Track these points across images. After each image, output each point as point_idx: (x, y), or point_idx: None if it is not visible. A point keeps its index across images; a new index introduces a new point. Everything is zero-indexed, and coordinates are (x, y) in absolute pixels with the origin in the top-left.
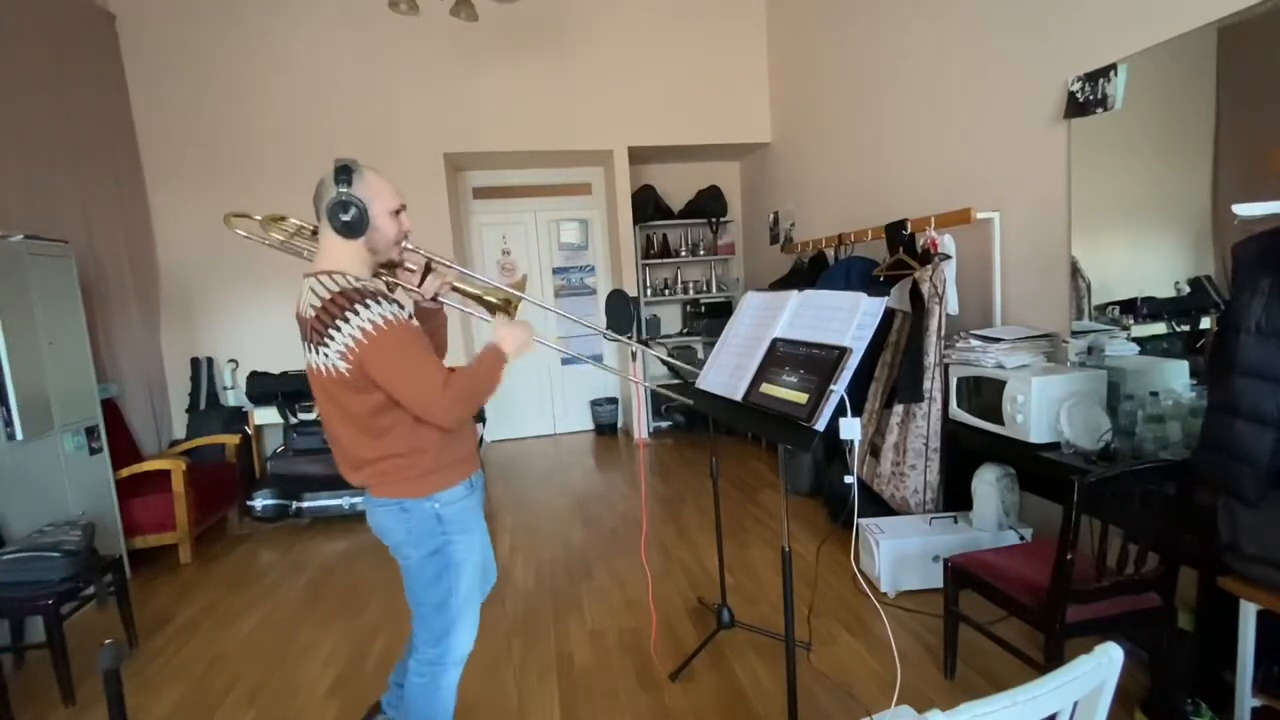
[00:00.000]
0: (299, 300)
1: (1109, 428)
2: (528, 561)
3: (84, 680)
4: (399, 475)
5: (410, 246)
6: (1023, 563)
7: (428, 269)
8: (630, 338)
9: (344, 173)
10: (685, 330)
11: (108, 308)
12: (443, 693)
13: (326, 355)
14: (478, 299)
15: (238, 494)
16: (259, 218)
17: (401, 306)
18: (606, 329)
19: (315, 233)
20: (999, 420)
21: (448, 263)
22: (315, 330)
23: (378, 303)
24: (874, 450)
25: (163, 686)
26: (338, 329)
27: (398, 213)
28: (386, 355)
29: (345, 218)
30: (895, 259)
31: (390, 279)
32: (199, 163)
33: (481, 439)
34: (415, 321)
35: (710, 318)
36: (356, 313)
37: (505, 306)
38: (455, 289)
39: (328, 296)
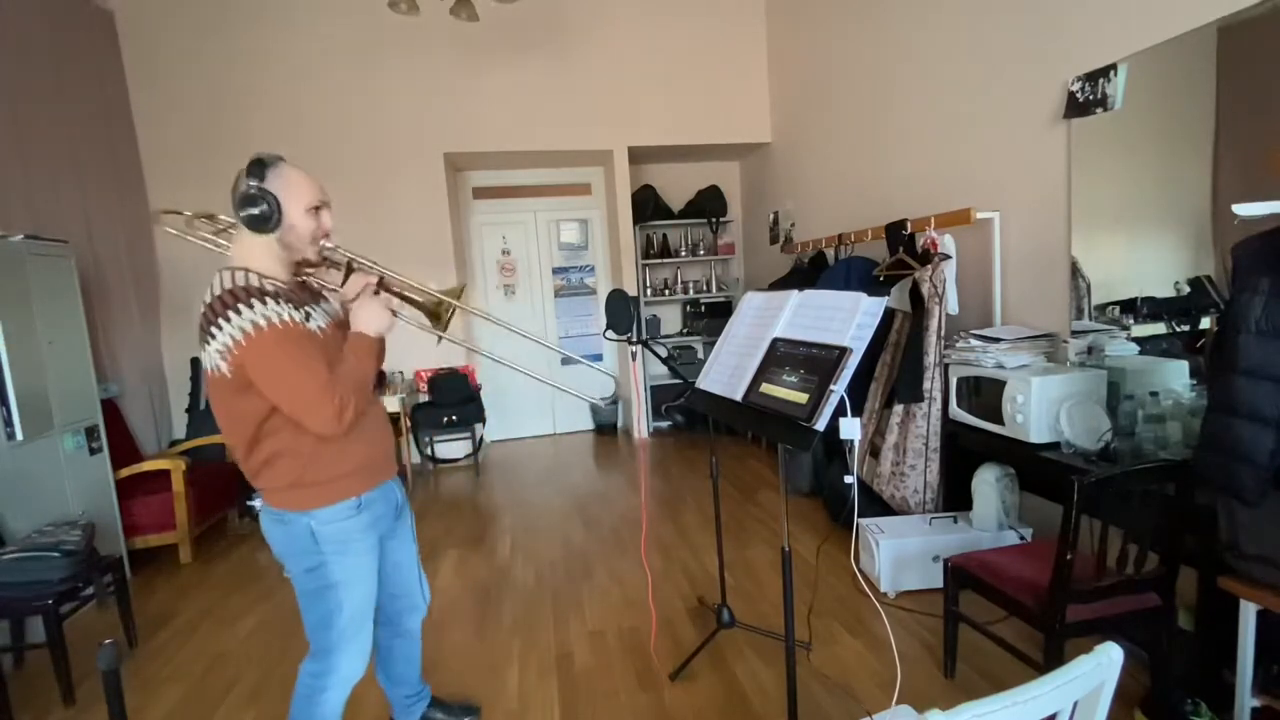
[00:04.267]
0: None
1: (1109, 428)
2: (528, 561)
3: (84, 680)
4: (278, 483)
5: (331, 245)
6: (1023, 563)
7: (350, 269)
8: (629, 339)
9: (257, 166)
10: (685, 330)
11: (108, 308)
12: (323, 709)
13: (209, 353)
14: (407, 300)
15: (238, 494)
16: (187, 213)
17: (297, 308)
18: (606, 330)
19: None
20: (999, 420)
21: (372, 262)
22: (201, 326)
23: (263, 303)
24: (874, 450)
25: (163, 686)
26: (219, 327)
27: (317, 209)
28: (264, 357)
29: (253, 211)
30: (895, 259)
31: (311, 278)
32: (199, 163)
33: (481, 439)
34: (314, 324)
35: (710, 318)
36: (239, 312)
37: (436, 308)
38: (387, 290)
39: (218, 292)
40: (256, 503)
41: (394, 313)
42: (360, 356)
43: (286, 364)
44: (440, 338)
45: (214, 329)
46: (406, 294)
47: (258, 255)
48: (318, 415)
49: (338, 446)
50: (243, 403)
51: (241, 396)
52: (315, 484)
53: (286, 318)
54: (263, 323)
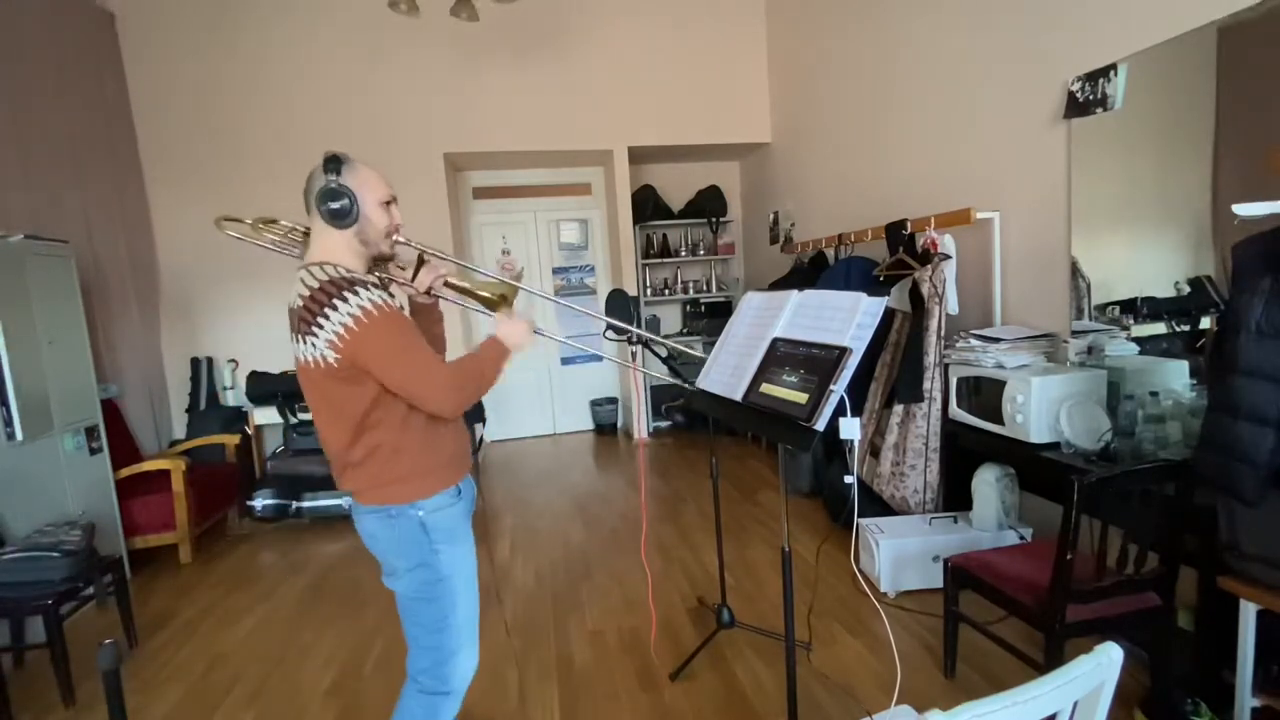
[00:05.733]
0: (291, 294)
1: (1109, 428)
2: (528, 561)
3: (84, 680)
4: (382, 478)
5: (402, 240)
6: (1023, 563)
7: (421, 263)
8: (629, 339)
9: (333, 162)
10: (685, 330)
11: (108, 308)
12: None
13: (315, 345)
14: (472, 294)
15: (238, 494)
16: (250, 221)
17: (393, 296)
18: (607, 327)
19: (307, 234)
20: (999, 420)
21: (441, 254)
22: (303, 320)
23: (366, 289)
24: (874, 450)
25: (163, 686)
26: (326, 317)
27: (388, 204)
28: (378, 340)
29: (334, 205)
30: (895, 259)
31: (383, 274)
32: (199, 163)
33: (481, 439)
34: (407, 314)
35: (710, 318)
36: (345, 299)
37: (501, 301)
38: (449, 284)
39: (316, 286)
40: (257, 504)
41: (536, 331)
42: (490, 359)
43: (400, 343)
44: None
45: (320, 319)
46: (470, 289)
47: (339, 251)
48: (436, 393)
49: (436, 437)
50: (347, 392)
51: (346, 385)
52: (421, 474)
53: (392, 303)
54: (370, 307)
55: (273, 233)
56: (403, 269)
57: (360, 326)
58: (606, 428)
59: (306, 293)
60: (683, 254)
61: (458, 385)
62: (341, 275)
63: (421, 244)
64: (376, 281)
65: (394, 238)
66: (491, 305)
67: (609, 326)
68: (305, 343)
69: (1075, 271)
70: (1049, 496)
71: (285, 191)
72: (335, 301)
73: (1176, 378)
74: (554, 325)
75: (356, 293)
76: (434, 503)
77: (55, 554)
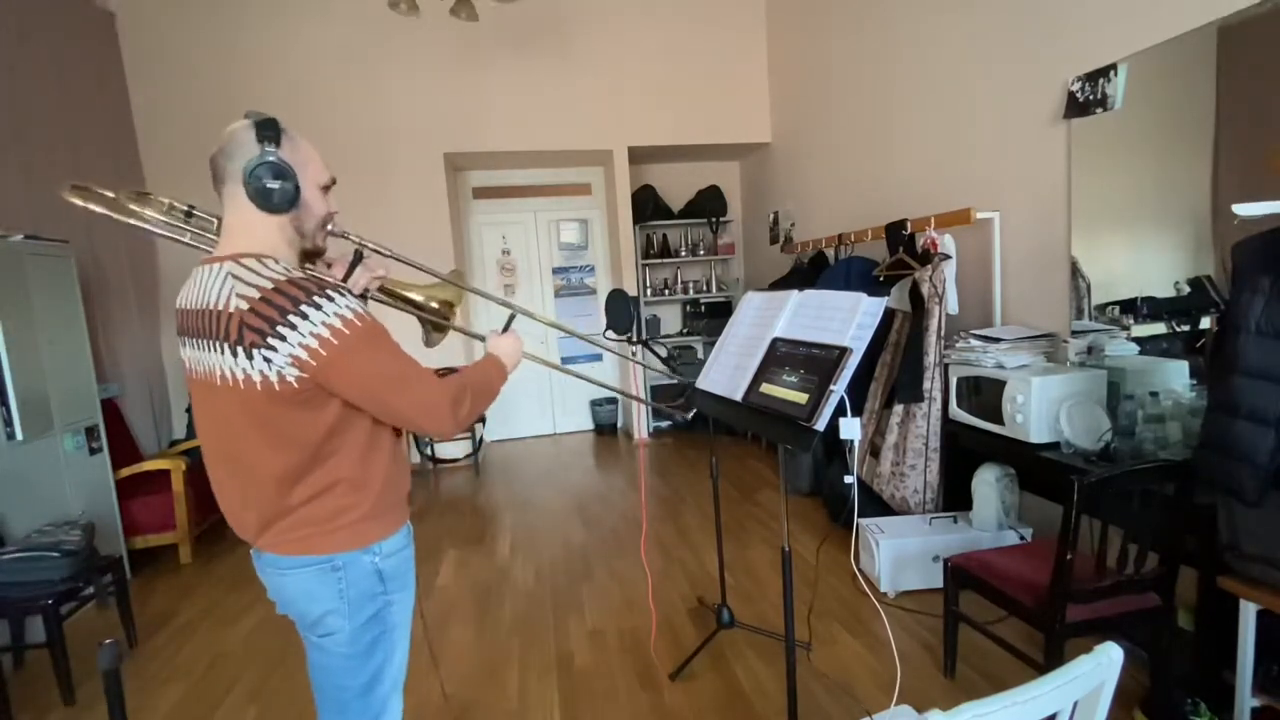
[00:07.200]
0: (197, 290)
1: (1109, 428)
2: (528, 561)
3: (84, 680)
4: (333, 522)
5: (336, 231)
6: (1023, 563)
7: (357, 259)
8: (629, 339)
9: (270, 129)
10: (685, 330)
11: (108, 308)
12: None
13: (270, 361)
14: (412, 301)
15: None
16: (113, 195)
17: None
18: (606, 329)
19: (189, 213)
20: (999, 420)
21: (382, 250)
22: (250, 328)
23: (340, 294)
24: (874, 450)
25: (163, 686)
26: (291, 326)
27: (327, 188)
28: (366, 360)
29: (271, 185)
30: (895, 259)
31: (313, 271)
32: (199, 162)
33: (481, 439)
34: None
35: (710, 318)
36: (317, 306)
37: (448, 309)
38: (384, 289)
39: (268, 285)
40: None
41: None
42: (496, 376)
43: (392, 359)
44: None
45: (282, 328)
46: (408, 294)
47: (273, 241)
48: (440, 411)
49: (400, 466)
50: (300, 418)
51: (300, 411)
52: (380, 512)
53: (368, 309)
54: (351, 317)
55: (151, 207)
56: (329, 265)
57: (341, 341)
58: (606, 428)
59: (254, 293)
60: (683, 254)
61: (459, 408)
62: (306, 274)
63: (360, 237)
64: (342, 283)
65: (328, 229)
66: (440, 315)
67: (609, 326)
68: (252, 357)
69: (1075, 271)
70: (1049, 496)
71: None
72: (304, 308)
73: (1176, 378)
74: (553, 330)
75: (330, 298)
76: (392, 544)
77: (55, 554)
